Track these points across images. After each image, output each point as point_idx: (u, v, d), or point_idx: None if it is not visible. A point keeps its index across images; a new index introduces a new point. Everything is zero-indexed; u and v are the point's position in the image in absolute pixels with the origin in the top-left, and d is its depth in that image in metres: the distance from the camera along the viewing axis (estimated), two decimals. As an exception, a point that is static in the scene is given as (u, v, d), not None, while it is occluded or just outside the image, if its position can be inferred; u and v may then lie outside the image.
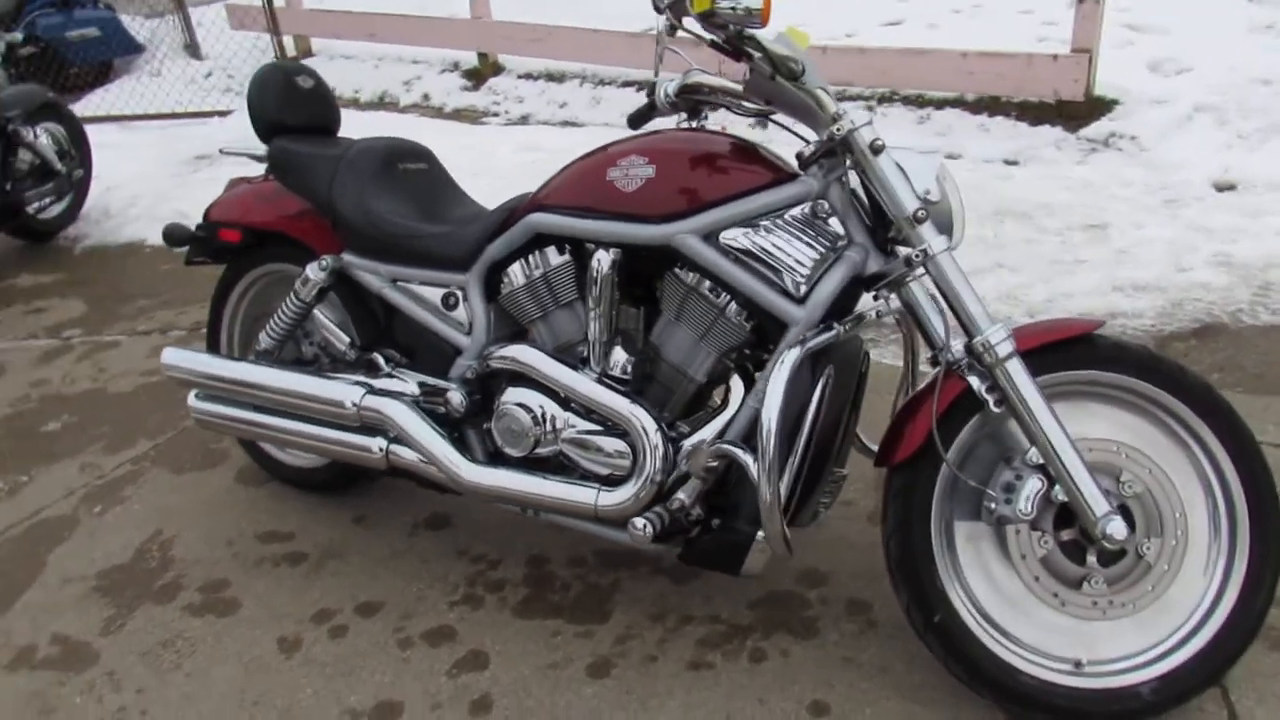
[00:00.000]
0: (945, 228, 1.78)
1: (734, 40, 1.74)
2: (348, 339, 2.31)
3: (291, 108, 2.38)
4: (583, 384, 1.95)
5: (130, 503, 2.68)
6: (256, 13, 7.43)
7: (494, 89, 6.25)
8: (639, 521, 1.81)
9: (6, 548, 2.55)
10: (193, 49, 7.61)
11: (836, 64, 4.94)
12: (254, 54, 7.30)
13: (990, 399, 1.71)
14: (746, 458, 1.78)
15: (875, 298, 1.86)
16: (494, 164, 4.91)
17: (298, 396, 2.19)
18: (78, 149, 4.63)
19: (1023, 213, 3.78)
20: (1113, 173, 4.05)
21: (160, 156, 5.67)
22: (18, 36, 7.06)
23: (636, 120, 2.08)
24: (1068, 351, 1.74)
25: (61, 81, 7.29)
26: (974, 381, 1.72)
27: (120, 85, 7.22)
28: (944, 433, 1.74)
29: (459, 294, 2.14)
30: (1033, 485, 1.70)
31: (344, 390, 2.14)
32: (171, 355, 2.36)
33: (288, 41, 7.41)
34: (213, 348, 2.62)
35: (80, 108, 6.77)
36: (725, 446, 1.80)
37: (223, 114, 6.34)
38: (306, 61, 7.33)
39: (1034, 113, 4.61)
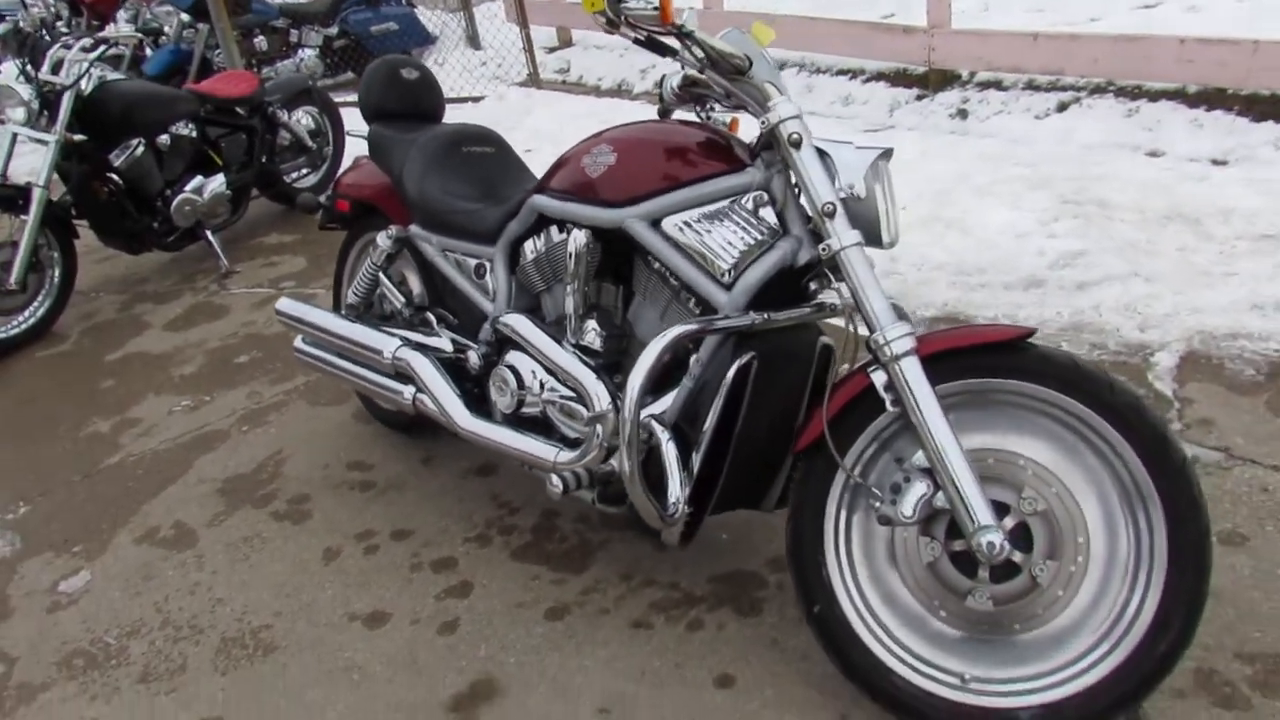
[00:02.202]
0: (867, 225, 1.78)
1: (653, 40, 1.85)
2: (403, 299, 2.64)
3: (394, 96, 2.74)
4: (557, 353, 2.13)
5: (269, 426, 3.21)
6: (534, 7, 8.10)
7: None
8: (554, 478, 1.98)
9: (173, 451, 3.16)
10: (473, 40, 8.44)
11: (1047, 52, 4.64)
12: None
13: (888, 398, 1.70)
14: (661, 435, 1.89)
15: (808, 288, 1.90)
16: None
17: (355, 345, 2.56)
18: (331, 130, 5.40)
19: (1194, 217, 3.42)
20: (1332, 177, 3.54)
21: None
22: (332, 31, 8.27)
23: (662, 112, 2.22)
24: (986, 358, 1.69)
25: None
26: (877, 379, 1.72)
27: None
28: (849, 426, 1.76)
29: (488, 265, 2.39)
30: (917, 489, 1.67)
31: (384, 341, 2.48)
32: (284, 304, 2.82)
33: (550, 33, 8.01)
34: (336, 300, 3.07)
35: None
36: (647, 419, 1.92)
37: (476, 99, 7.01)
38: (564, 52, 7.90)
39: (1263, 107, 4.09)
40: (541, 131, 5.87)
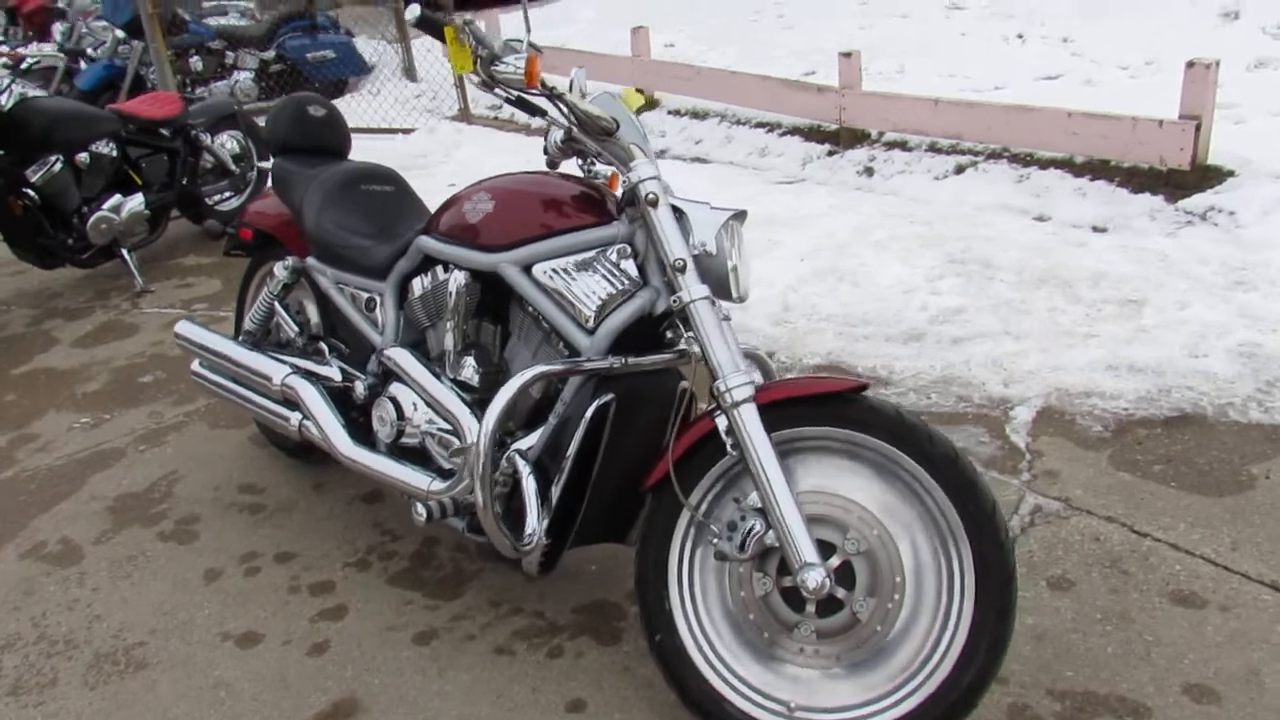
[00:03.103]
0: (718, 280, 1.92)
1: (523, 100, 1.98)
2: (297, 329, 2.73)
3: (299, 132, 2.83)
4: (435, 386, 2.23)
5: (167, 446, 3.25)
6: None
7: (644, 123, 6.62)
8: (419, 506, 2.07)
9: (68, 467, 3.18)
10: (410, 72, 8.56)
11: (947, 118, 4.91)
12: (465, 79, 8.12)
13: (728, 442, 1.83)
14: (523, 469, 2.01)
15: (664, 335, 2.03)
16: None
17: (247, 371, 2.63)
18: (256, 154, 5.46)
19: (1067, 281, 3.65)
20: (1195, 249, 3.80)
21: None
22: (269, 55, 8.32)
23: (550, 164, 2.35)
24: (820, 409, 1.83)
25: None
26: (720, 424, 1.85)
27: (346, 101, 8.24)
28: (695, 466, 1.89)
29: (378, 299, 2.49)
30: (750, 527, 1.80)
31: (274, 368, 2.56)
32: (182, 327, 2.88)
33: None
34: (237, 326, 3.13)
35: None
36: (512, 453, 2.03)
37: (407, 131, 7.13)
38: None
39: (1141, 179, 4.37)
40: (468, 165, 5.99)
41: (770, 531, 1.78)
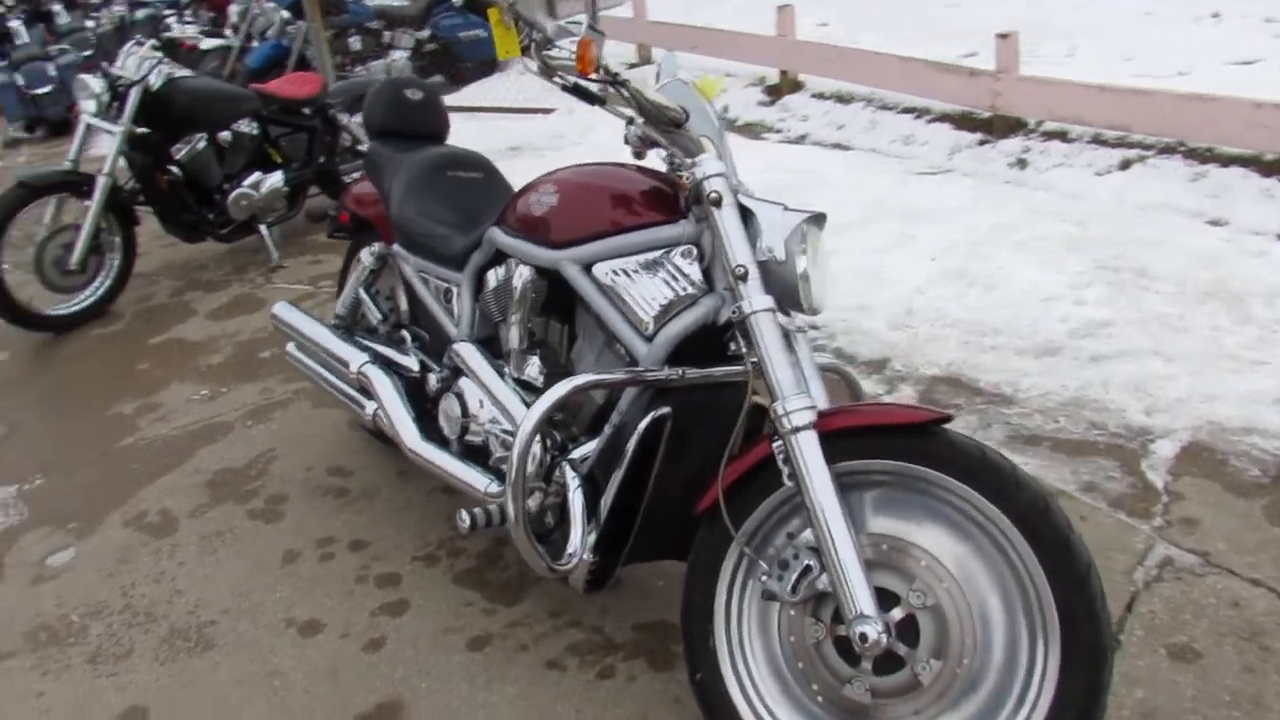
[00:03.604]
0: (787, 289, 1.73)
1: (580, 88, 1.84)
2: (380, 315, 2.70)
3: (396, 115, 2.80)
4: (496, 385, 2.15)
5: (272, 423, 3.32)
6: (614, 21, 8.19)
7: (786, 106, 6.37)
8: (463, 514, 1.98)
9: (180, 439, 3.29)
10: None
11: (1114, 106, 4.45)
12: (609, 59, 8.05)
13: (784, 471, 1.65)
14: (571, 481, 1.89)
15: (728, 347, 1.86)
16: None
17: (330, 355, 2.62)
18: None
19: (1237, 296, 3.22)
20: (1399, 264, 3.30)
21: (482, 145, 6.48)
22: (424, 35, 8.49)
23: (636, 155, 2.21)
24: (891, 441, 1.63)
25: (454, 73, 8.59)
26: (778, 450, 1.67)
27: (494, 80, 8.32)
28: (751, 493, 1.72)
29: (455, 290, 2.42)
30: (802, 567, 1.62)
31: (353, 355, 2.53)
32: (279, 309, 2.91)
33: (630, 49, 8.08)
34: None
35: (453, 97, 7.96)
36: (563, 464, 1.92)
37: (546, 111, 7.10)
38: (642, 69, 7.93)
39: (1342, 181, 3.84)
40: (601, 146, 5.89)
41: (824, 574, 1.60)
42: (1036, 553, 1.52)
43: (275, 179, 4.79)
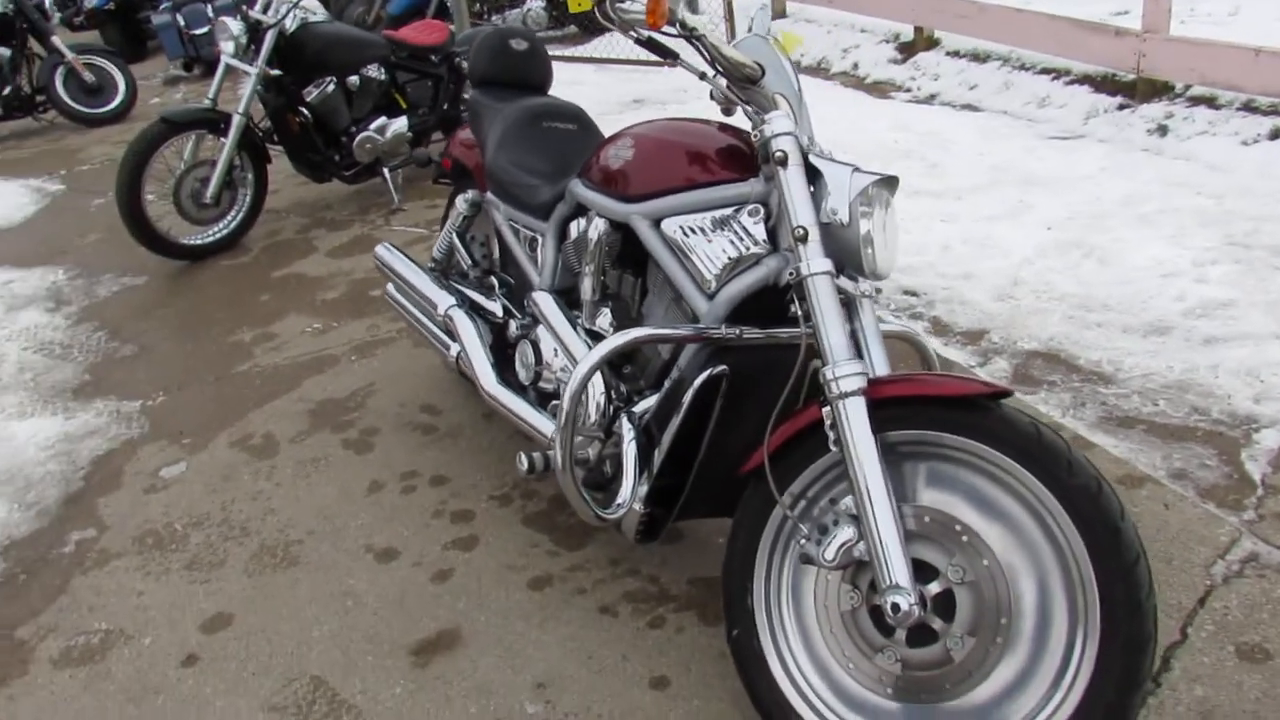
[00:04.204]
0: (849, 253, 1.70)
1: (654, 42, 1.83)
2: (471, 261, 2.77)
3: (499, 65, 2.84)
4: (568, 334, 2.19)
5: (374, 359, 3.46)
6: (750, -27, 8.05)
7: (918, 64, 6.14)
8: (522, 457, 2.04)
9: (291, 368, 3.48)
10: (691, 4, 8.44)
11: (1270, 70, 4.12)
12: (744, 12, 7.93)
13: (830, 437, 1.64)
14: (627, 433, 1.92)
15: (789, 308, 1.84)
16: (856, 140, 4.94)
17: (422, 297, 2.72)
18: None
19: (1381, 282, 2.98)
20: None
21: (607, 97, 6.55)
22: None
23: (725, 111, 2.20)
24: (945, 412, 1.60)
25: (587, 24, 8.60)
26: (826, 414, 1.66)
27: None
28: (798, 456, 1.72)
29: (540, 239, 2.47)
30: (843, 534, 1.61)
31: (441, 298, 2.62)
32: (381, 250, 3.02)
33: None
34: (441, 251, 3.25)
35: (581, 49, 7.99)
36: (622, 415, 1.95)
37: (672, 64, 7.03)
38: (778, 22, 7.76)
39: None
40: (723, 103, 5.85)
41: (862, 542, 1.59)
42: (1084, 537, 1.47)
43: (400, 124, 4.93)
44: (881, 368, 1.78)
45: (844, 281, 1.78)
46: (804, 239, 1.68)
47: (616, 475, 2.03)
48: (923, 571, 1.59)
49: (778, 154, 1.71)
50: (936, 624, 1.58)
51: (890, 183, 1.76)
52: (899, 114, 5.41)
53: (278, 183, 5.18)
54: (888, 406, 1.61)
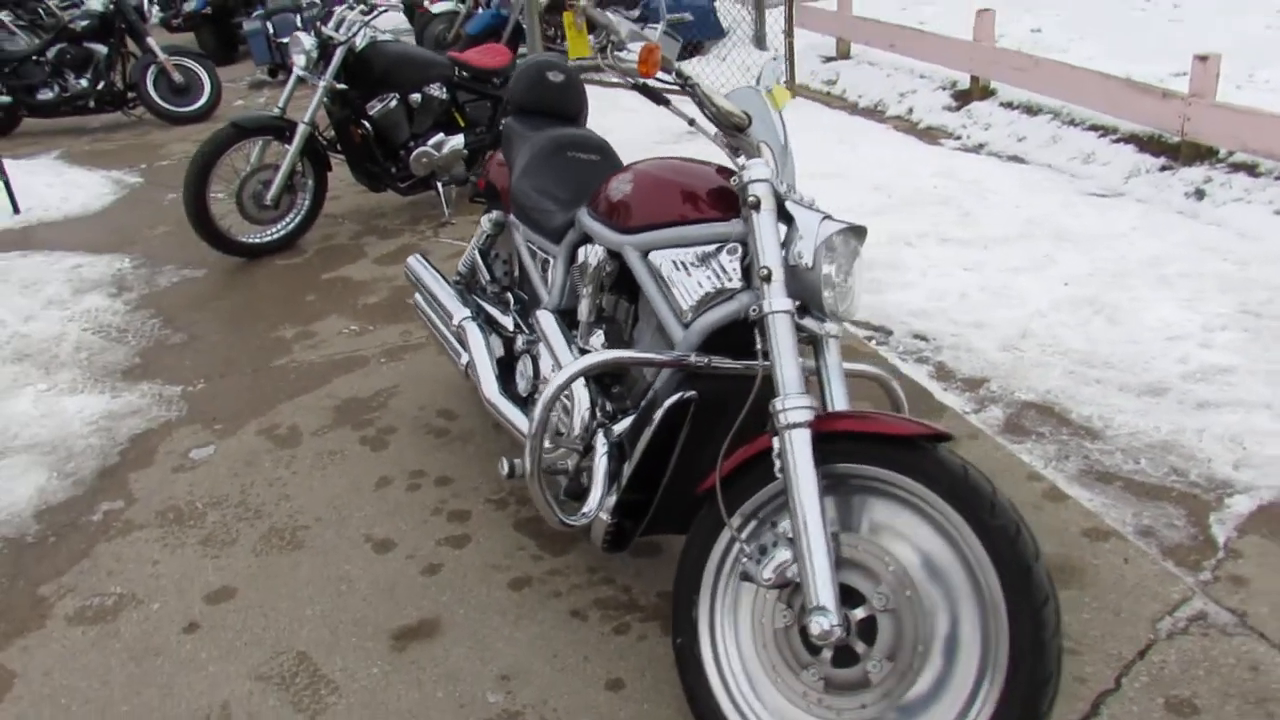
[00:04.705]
0: (810, 295, 1.82)
1: (647, 88, 1.97)
2: (489, 277, 2.94)
3: (536, 95, 3.02)
4: (563, 352, 2.34)
5: (402, 363, 3.65)
6: (817, 14, 8.20)
7: (971, 113, 6.20)
8: (504, 460, 2.18)
9: (324, 366, 3.69)
10: (759, 40, 8.62)
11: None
12: (808, 50, 8.07)
13: (777, 464, 1.75)
14: (600, 447, 2.05)
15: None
16: (899, 183, 5.04)
17: (442, 308, 2.89)
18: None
19: (1389, 361, 2.98)
20: None
21: (662, 126, 6.70)
22: (634, 15, 8.75)
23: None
24: (883, 449, 1.70)
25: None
26: (776, 443, 1.77)
27: (694, 63, 8.48)
28: (750, 481, 1.83)
29: (551, 261, 2.62)
30: (780, 556, 1.72)
31: (457, 309, 2.79)
32: (411, 261, 3.21)
33: (829, 41, 8.03)
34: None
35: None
36: (599, 429, 2.08)
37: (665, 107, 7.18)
38: (838, 64, 7.88)
39: None
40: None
41: (795, 564, 1.70)
42: (999, 576, 1.56)
43: (456, 141, 5.15)
44: (841, 404, 1.90)
45: (810, 322, 1.90)
46: (768, 279, 1.80)
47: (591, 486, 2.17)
48: (852, 597, 1.69)
49: (750, 199, 1.84)
50: (860, 647, 1.68)
51: (858, 232, 1.88)
52: (946, 161, 5.48)
53: (339, 189, 5.45)
54: (834, 440, 1.72)
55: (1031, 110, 5.91)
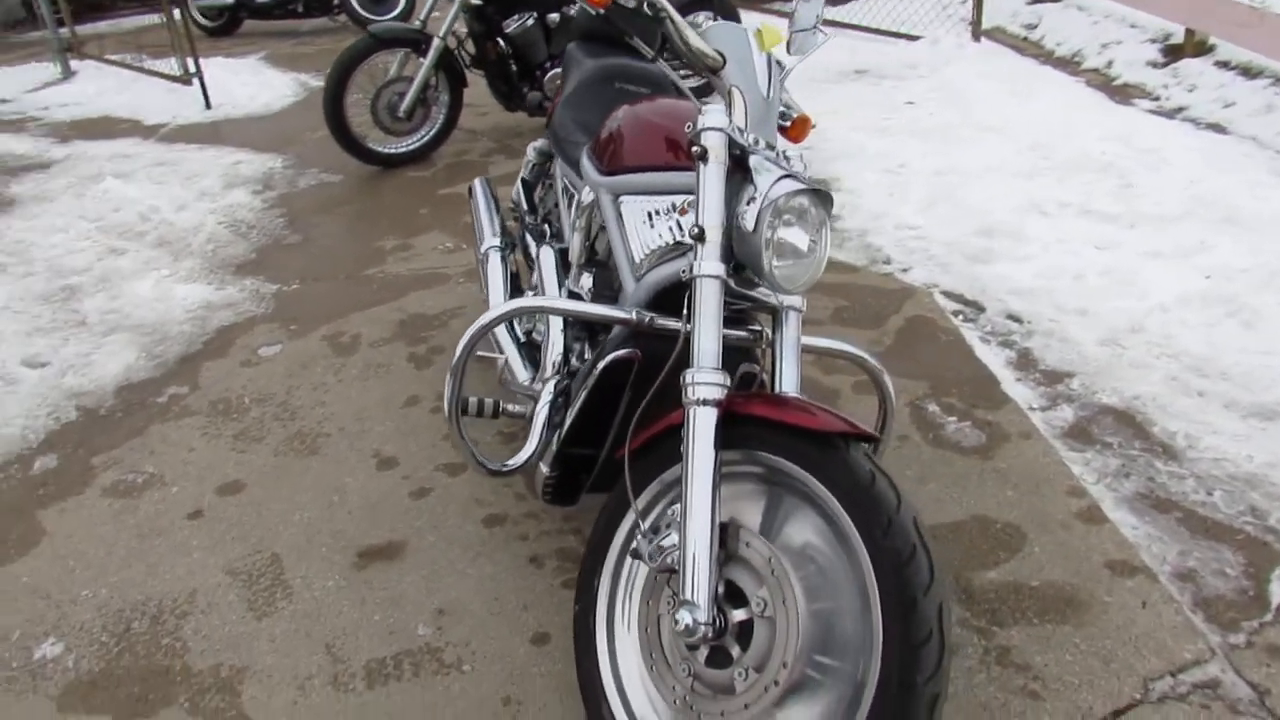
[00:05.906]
0: (752, 261, 1.63)
1: (610, 19, 1.80)
2: (527, 206, 2.86)
3: (600, 21, 2.87)
4: (550, 290, 2.25)
5: (477, 284, 3.63)
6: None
7: (1177, 71, 5.46)
8: (471, 398, 2.12)
9: (406, 280, 3.76)
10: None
11: None
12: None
13: (684, 440, 1.61)
14: (544, 397, 1.97)
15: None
16: (1060, 144, 4.53)
17: (477, 233, 2.85)
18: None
19: None
20: None
21: (830, 64, 6.34)
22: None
23: None
24: (795, 442, 1.52)
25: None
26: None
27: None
28: (662, 455, 1.69)
29: (575, 193, 2.52)
30: (669, 538, 1.58)
31: (487, 236, 2.74)
32: (476, 184, 3.17)
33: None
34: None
35: (831, 12, 7.72)
36: (548, 380, 1.99)
37: (911, 38, 6.65)
38: (1043, 5, 7.13)
39: None
40: (943, 87, 5.54)
41: (677, 551, 1.56)
42: (881, 604, 1.37)
43: (593, 65, 5.06)
44: (790, 384, 1.72)
45: (763, 292, 1.72)
46: (700, 238, 1.63)
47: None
48: (738, 597, 1.54)
49: (696, 149, 1.66)
50: (735, 651, 1.53)
51: (822, 198, 1.66)
52: (1128, 123, 4.87)
53: (488, 105, 5.50)
54: (745, 424, 1.56)
55: (1250, 72, 5.14)
